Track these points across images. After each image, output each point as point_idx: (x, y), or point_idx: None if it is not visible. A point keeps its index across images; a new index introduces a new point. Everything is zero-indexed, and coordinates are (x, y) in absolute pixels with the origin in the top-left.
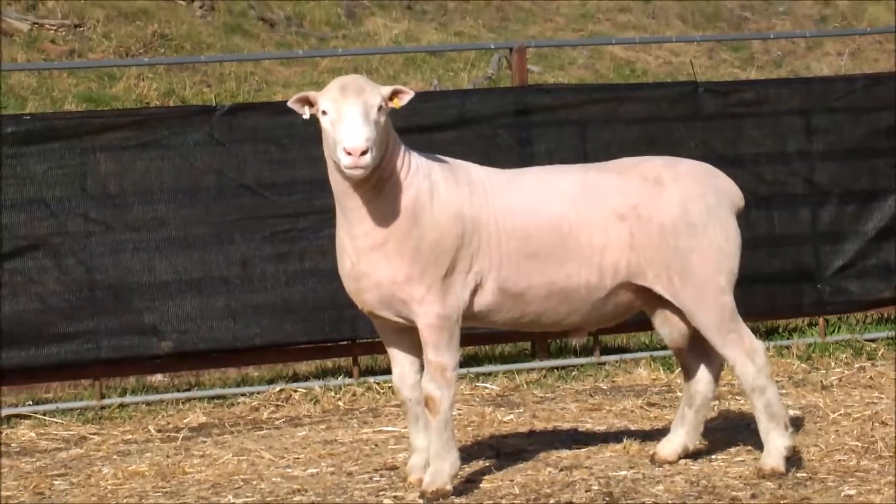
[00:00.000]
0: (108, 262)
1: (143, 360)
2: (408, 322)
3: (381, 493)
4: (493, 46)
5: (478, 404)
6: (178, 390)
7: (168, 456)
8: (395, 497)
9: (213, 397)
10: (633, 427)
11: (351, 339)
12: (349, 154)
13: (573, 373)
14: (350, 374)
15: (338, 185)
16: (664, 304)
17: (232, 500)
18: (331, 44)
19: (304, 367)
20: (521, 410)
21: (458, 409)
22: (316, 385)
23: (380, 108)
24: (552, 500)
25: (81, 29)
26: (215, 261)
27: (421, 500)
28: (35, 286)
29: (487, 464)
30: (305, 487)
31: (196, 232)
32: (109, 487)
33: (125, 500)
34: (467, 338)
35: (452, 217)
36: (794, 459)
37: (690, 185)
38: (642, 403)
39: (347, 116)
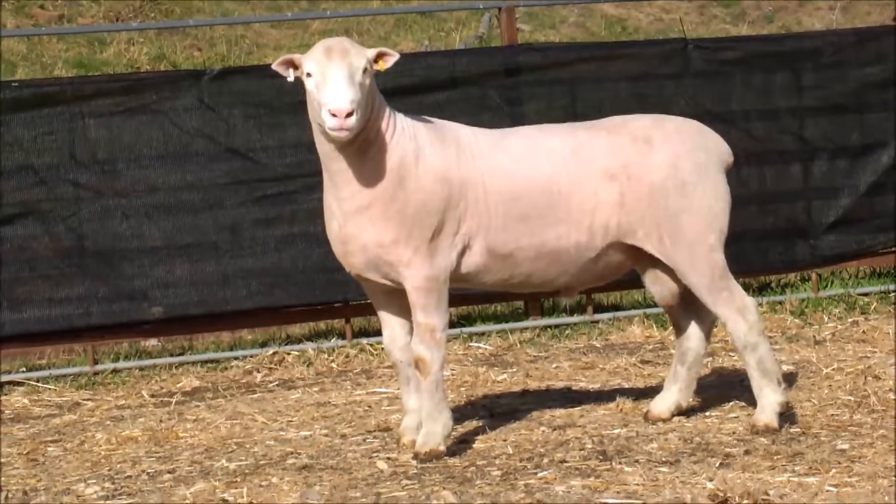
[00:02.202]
0: (98, 228)
1: (134, 325)
2: (395, 284)
3: (375, 454)
4: (481, 6)
5: (471, 364)
6: (171, 355)
7: (161, 421)
8: (388, 458)
9: (206, 361)
10: (626, 385)
11: (343, 302)
12: (334, 116)
13: (566, 331)
14: (343, 336)
15: (322, 147)
16: (655, 262)
17: (225, 464)
18: (321, 6)
19: (296, 329)
20: (515, 370)
21: (452, 370)
22: (309, 347)
23: (364, 70)
24: (546, 460)
25: None
26: (205, 225)
27: (414, 461)
28: (25, 253)
29: (481, 423)
30: (299, 450)
31: (186, 197)
32: (103, 453)
33: (119, 466)
34: (460, 298)
35: (439, 179)
36: (787, 415)
37: (679, 143)
38: (636, 361)
39: (332, 79)
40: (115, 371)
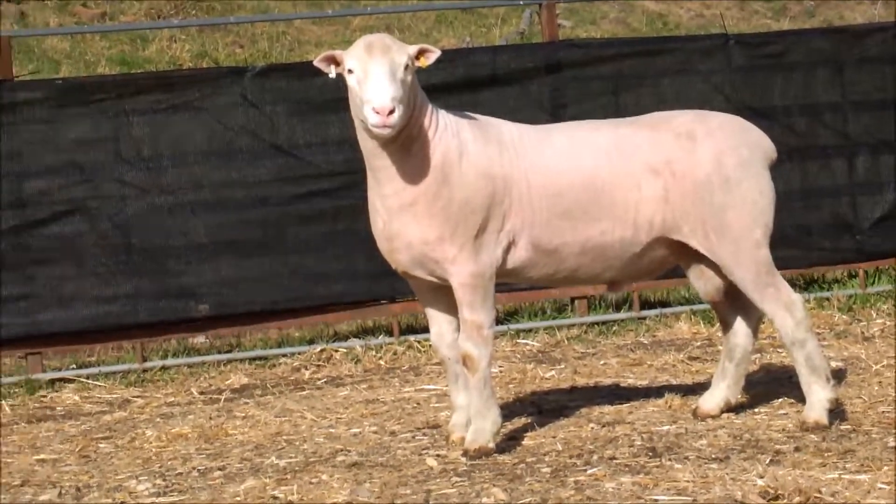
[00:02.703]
0: (144, 225)
1: (181, 322)
2: (441, 281)
3: (424, 451)
4: (522, 2)
5: (519, 361)
6: (220, 352)
7: (211, 418)
8: (438, 455)
9: (254, 358)
10: (674, 381)
11: (390, 299)
12: (377, 113)
13: (614, 328)
14: (390, 333)
15: (366, 144)
16: (699, 258)
17: (275, 461)
18: (361, 2)
19: (344, 326)
20: (563, 366)
21: (500, 366)
22: (357, 344)
23: (406, 66)
24: (595, 456)
25: None
26: (251, 222)
27: (463, 458)
28: (73, 251)
29: (529, 420)
30: (348, 447)
31: (231, 194)
32: (153, 450)
33: (169, 462)
34: (508, 294)
35: (482, 176)
36: (836, 412)
37: (723, 139)
38: (683, 357)
39: (374, 75)
40: (163, 368)
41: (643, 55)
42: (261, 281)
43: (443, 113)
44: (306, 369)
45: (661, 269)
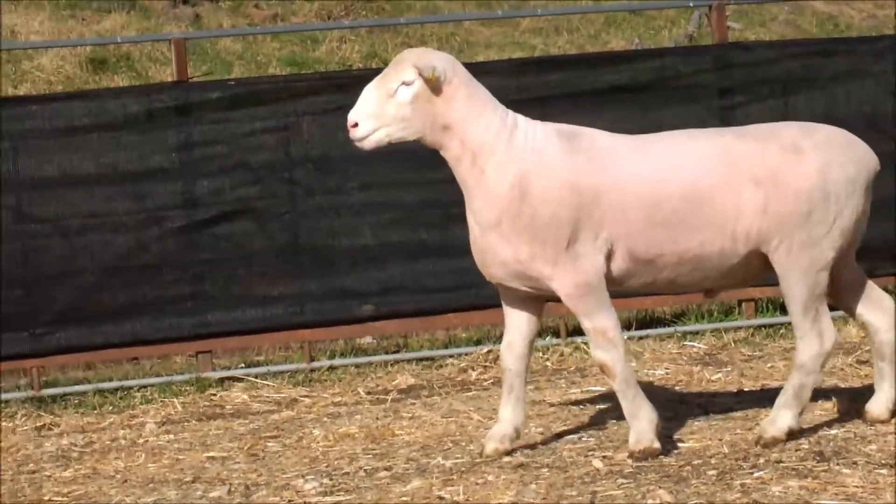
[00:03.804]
0: (312, 225)
1: (348, 323)
2: (541, 292)
3: (591, 452)
4: (692, 4)
5: (685, 363)
6: (387, 352)
7: (377, 418)
8: (604, 457)
9: (421, 359)
10: (843, 385)
11: (557, 300)
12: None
13: (781, 331)
14: (557, 335)
15: None
16: None
17: (441, 462)
18: (530, 3)
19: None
20: (729, 369)
21: (666, 368)
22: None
23: (405, 83)
24: (762, 460)
25: None
26: (417, 223)
27: (629, 461)
28: (241, 250)
29: (696, 423)
30: (514, 448)
31: (398, 194)
32: (320, 449)
33: (336, 462)
34: (675, 297)
35: (566, 189)
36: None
37: (830, 153)
38: (852, 361)
39: (365, 88)
40: (331, 368)
41: (813, 57)
42: (428, 281)
43: (526, 126)
44: (473, 370)
45: (762, 276)
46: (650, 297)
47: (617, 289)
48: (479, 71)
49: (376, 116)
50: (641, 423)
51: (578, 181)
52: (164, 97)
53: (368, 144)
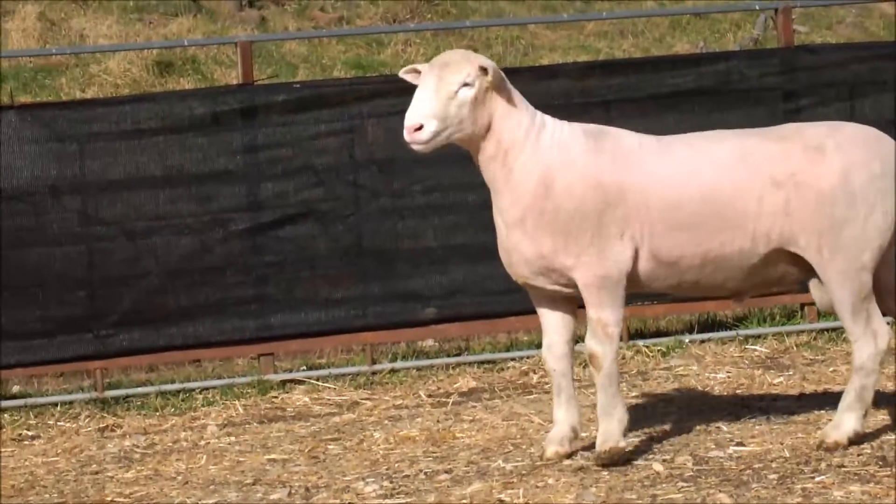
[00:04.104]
0: (375, 228)
1: (410, 325)
2: (565, 289)
3: (651, 456)
4: (757, 7)
5: (747, 367)
6: (448, 355)
7: (438, 421)
8: (664, 461)
9: (482, 362)
10: None
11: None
12: (405, 129)
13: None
14: (619, 338)
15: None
16: None
17: (502, 465)
18: (596, 7)
19: (582, 329)
20: (791, 373)
21: (727, 372)
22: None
23: (465, 84)
24: (823, 464)
25: None
26: (480, 226)
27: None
28: (305, 252)
29: (757, 426)
30: (574, 451)
31: (461, 197)
32: (381, 452)
33: (397, 465)
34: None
35: (591, 186)
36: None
37: (854, 151)
38: None
39: (417, 91)
40: (392, 371)
41: (880, 60)
42: (490, 284)
43: (553, 125)
44: (534, 373)
45: (788, 281)
46: (712, 300)
47: (643, 290)
48: (543, 74)
49: (440, 118)
50: (612, 422)
51: (603, 179)
52: (230, 100)
53: (430, 147)
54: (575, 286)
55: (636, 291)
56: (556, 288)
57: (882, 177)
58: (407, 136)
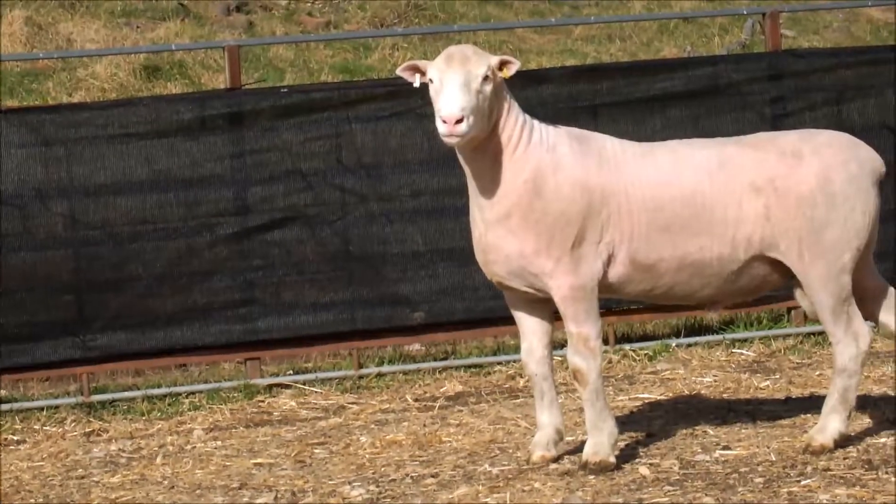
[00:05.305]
0: (363, 232)
1: (397, 330)
2: (539, 293)
3: (637, 460)
4: (745, 12)
5: (733, 370)
6: (435, 359)
7: (425, 425)
8: (650, 464)
9: (469, 366)
10: (892, 393)
11: (606, 308)
12: (444, 122)
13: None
14: (606, 342)
15: (460, 154)
16: None
17: (488, 469)
18: (583, 11)
19: (559, 335)
20: (778, 377)
21: (714, 376)
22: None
23: (486, 77)
24: (809, 468)
25: (337, 1)
26: (468, 230)
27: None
28: (293, 257)
29: (743, 430)
30: (561, 455)
31: (449, 201)
32: (367, 456)
33: (383, 469)
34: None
35: (578, 188)
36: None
37: (831, 155)
38: None
39: (447, 85)
40: (379, 375)
41: (867, 65)
42: (477, 289)
43: (540, 126)
44: (521, 377)
45: (763, 289)
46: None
47: (615, 296)
48: (531, 78)
49: (474, 112)
50: (602, 435)
51: (590, 181)
52: (218, 104)
53: (465, 140)
54: (546, 288)
55: (607, 297)
56: (530, 291)
57: (859, 177)
58: (447, 129)
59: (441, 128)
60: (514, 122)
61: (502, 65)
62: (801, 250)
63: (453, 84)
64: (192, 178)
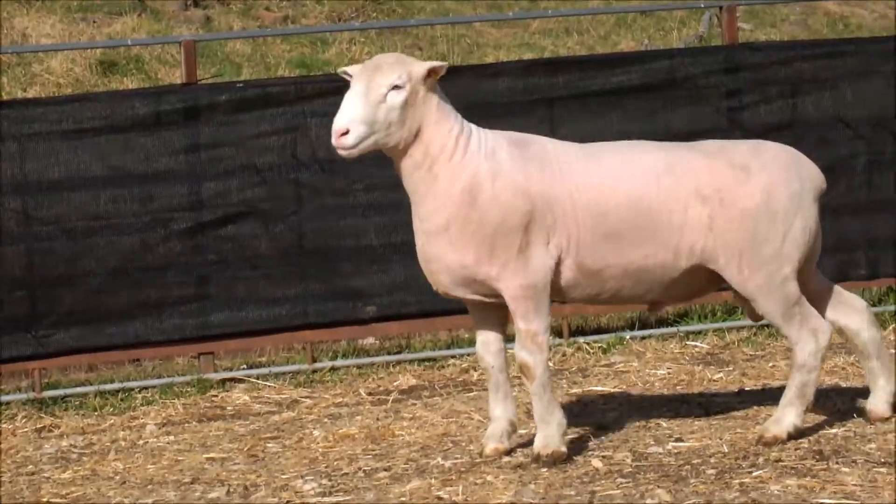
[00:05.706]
0: (317, 227)
1: (351, 324)
2: (486, 299)
3: (590, 452)
4: (702, 5)
5: (687, 363)
6: (389, 353)
7: (378, 419)
8: (603, 457)
9: (423, 360)
10: (844, 384)
11: (560, 300)
12: (333, 133)
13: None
14: (560, 335)
15: (396, 164)
16: None
17: (441, 462)
18: (541, 5)
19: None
20: (731, 368)
21: (668, 368)
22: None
23: (396, 87)
24: (761, 459)
25: None
26: None
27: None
28: (247, 252)
29: (696, 422)
30: (513, 448)
31: (402, 196)
32: (321, 450)
33: (336, 463)
34: None
35: (518, 195)
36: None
37: (776, 171)
38: (854, 360)
39: (346, 95)
40: (333, 369)
41: (824, 58)
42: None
43: (478, 133)
44: (475, 370)
45: (707, 291)
46: None
47: (560, 299)
48: (488, 72)
49: (368, 122)
50: (551, 427)
51: (530, 188)
52: (173, 99)
53: (356, 152)
54: (497, 296)
55: (554, 300)
56: (477, 298)
57: (801, 193)
58: (334, 140)
59: (332, 138)
60: (446, 130)
61: (431, 72)
62: (741, 265)
63: (350, 94)
64: (147, 174)
